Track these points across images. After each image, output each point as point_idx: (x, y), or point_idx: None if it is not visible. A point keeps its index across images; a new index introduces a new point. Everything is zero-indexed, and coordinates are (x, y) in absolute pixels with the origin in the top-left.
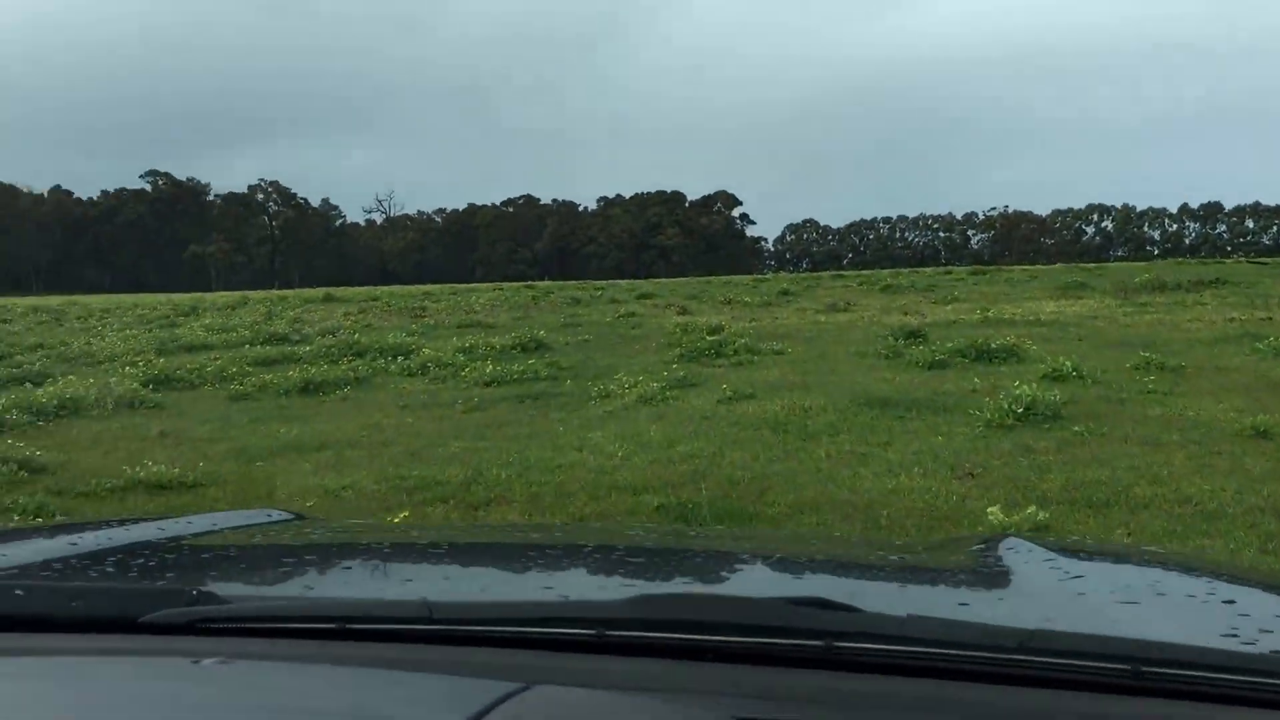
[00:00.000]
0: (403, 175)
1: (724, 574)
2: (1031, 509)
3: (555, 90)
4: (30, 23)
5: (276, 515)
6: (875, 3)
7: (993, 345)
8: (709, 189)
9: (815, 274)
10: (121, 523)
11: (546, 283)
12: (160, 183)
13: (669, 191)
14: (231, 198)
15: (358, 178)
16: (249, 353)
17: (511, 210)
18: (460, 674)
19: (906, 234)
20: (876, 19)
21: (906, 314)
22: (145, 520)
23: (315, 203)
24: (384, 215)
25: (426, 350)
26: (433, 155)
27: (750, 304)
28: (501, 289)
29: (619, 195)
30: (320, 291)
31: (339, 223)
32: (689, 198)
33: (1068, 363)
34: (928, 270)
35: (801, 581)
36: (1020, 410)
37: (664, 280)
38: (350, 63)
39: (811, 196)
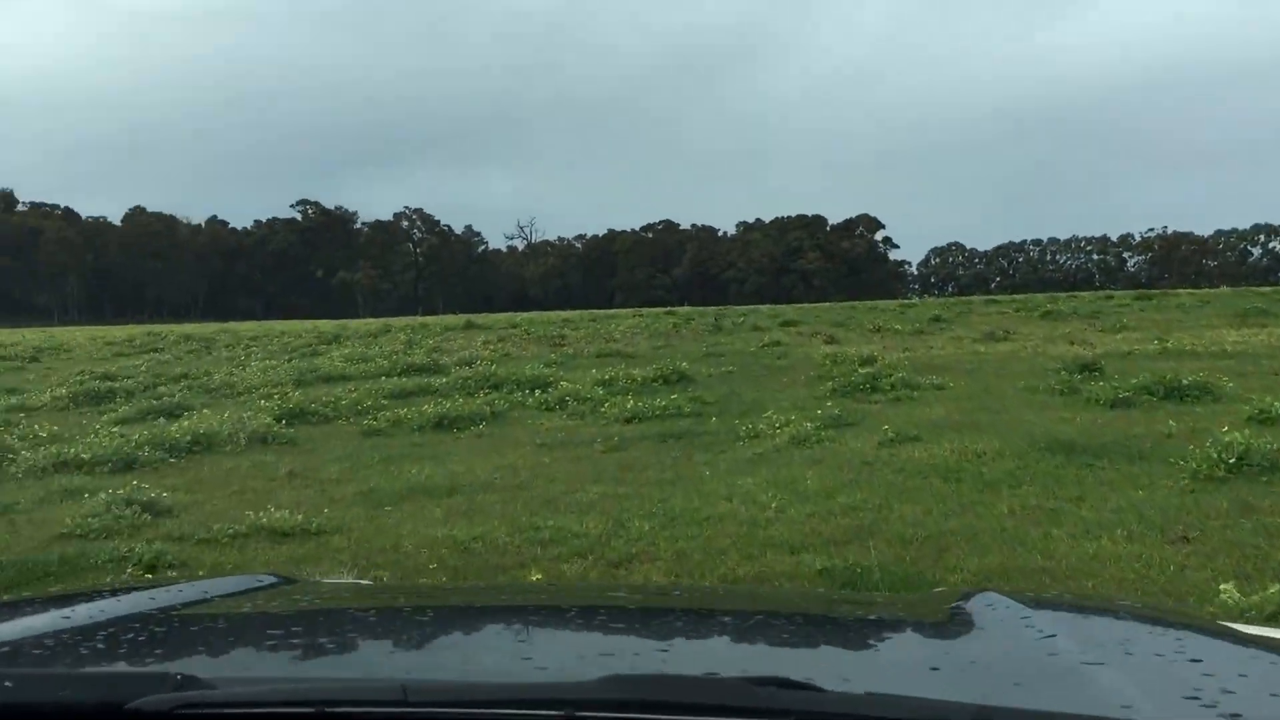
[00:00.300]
0: (544, 201)
1: (697, 645)
2: (1274, 589)
3: (695, 115)
4: (188, 60)
5: (265, 580)
6: (1023, 24)
7: (1183, 381)
8: (850, 212)
9: (966, 298)
10: (114, 592)
11: (686, 308)
12: (309, 211)
13: (810, 215)
14: (378, 225)
15: (500, 204)
16: (385, 384)
17: (651, 235)
18: None
19: (1058, 256)
20: (1024, 40)
21: (1073, 343)
22: (138, 589)
23: (458, 229)
24: (525, 241)
25: (565, 383)
26: (573, 181)
27: (901, 332)
28: (641, 315)
29: (758, 219)
30: (461, 319)
31: (481, 249)
32: (830, 221)
33: (1276, 402)
34: (1086, 295)
35: (772, 653)
36: (1232, 460)
37: (806, 305)
38: (492, 91)
39: (956, 219)
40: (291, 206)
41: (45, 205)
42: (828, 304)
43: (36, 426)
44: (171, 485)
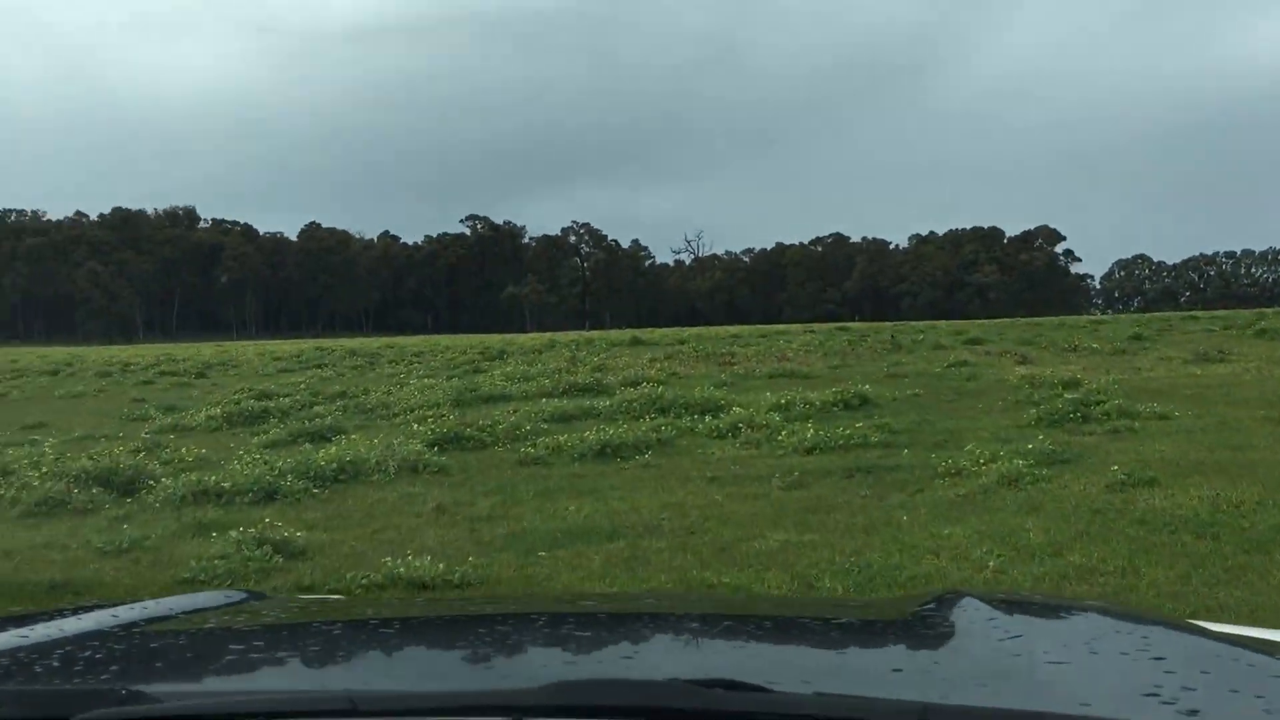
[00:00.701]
0: (711, 215)
1: (659, 651)
2: None
3: (866, 125)
4: (360, 79)
5: (235, 596)
6: (1214, 23)
7: None
8: (1028, 223)
9: (1162, 315)
10: (75, 611)
11: (860, 324)
12: (478, 227)
13: (986, 227)
14: (545, 240)
15: (667, 218)
16: (546, 406)
17: (820, 249)
18: None
19: (1253, 269)
20: (1213, 40)
21: None
22: (102, 607)
23: (625, 244)
24: (692, 255)
25: (738, 408)
26: (741, 194)
27: (1099, 351)
28: (813, 331)
29: (932, 231)
30: (627, 334)
31: (648, 263)
32: (1008, 233)
33: None
34: None
35: (731, 657)
36: None
37: (988, 321)
38: (659, 105)
39: (1140, 229)
40: (461, 222)
41: (226, 222)
42: (1009, 320)
43: (184, 450)
44: (310, 521)
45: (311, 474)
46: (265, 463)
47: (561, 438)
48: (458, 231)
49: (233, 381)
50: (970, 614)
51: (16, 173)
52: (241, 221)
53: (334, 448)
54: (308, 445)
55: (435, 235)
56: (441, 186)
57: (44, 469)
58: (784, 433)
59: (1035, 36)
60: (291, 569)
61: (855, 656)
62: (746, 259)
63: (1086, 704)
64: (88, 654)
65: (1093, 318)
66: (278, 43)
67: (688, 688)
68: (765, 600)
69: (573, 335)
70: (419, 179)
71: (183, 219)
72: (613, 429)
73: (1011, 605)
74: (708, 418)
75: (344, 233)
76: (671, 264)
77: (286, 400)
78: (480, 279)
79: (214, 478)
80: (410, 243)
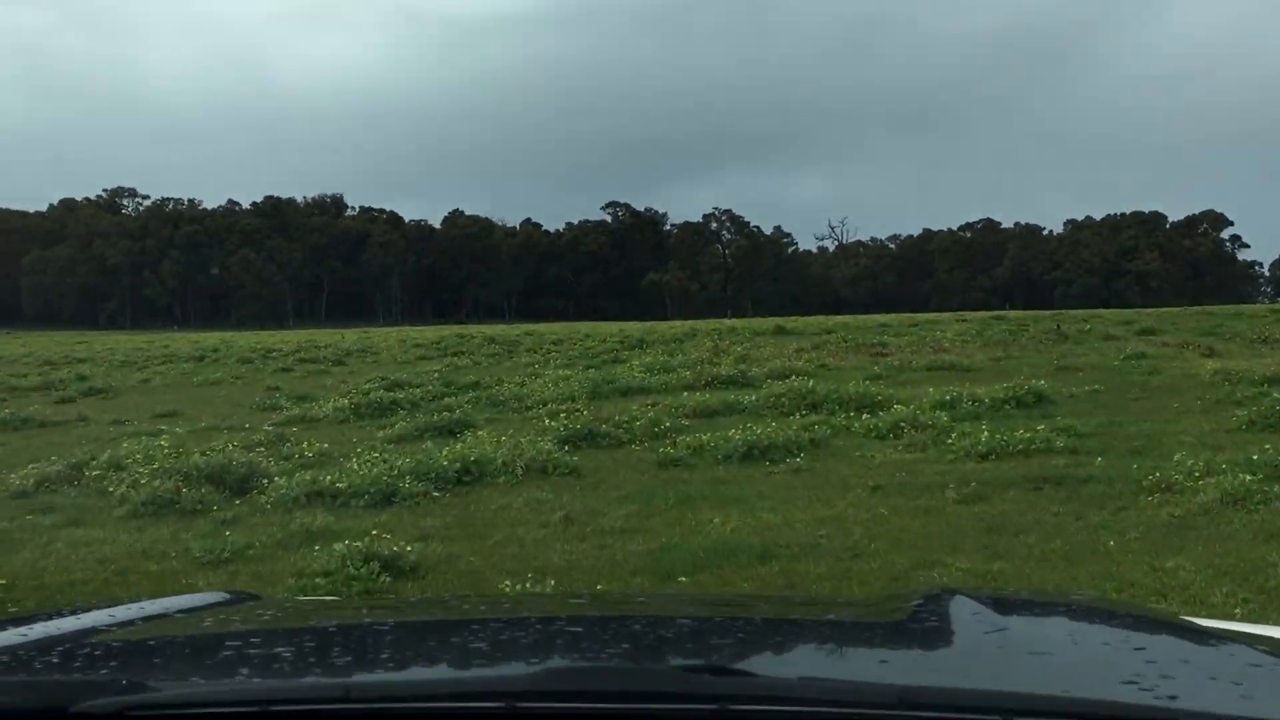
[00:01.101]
0: (855, 201)
1: (648, 645)
2: None
3: (1016, 108)
4: (501, 68)
5: (228, 597)
6: None
7: None
8: (1192, 208)
9: None
10: (74, 611)
11: (1017, 312)
12: (620, 213)
13: (1146, 212)
14: (687, 227)
15: (810, 204)
16: (687, 400)
17: (969, 235)
18: None
19: None
20: None
21: None
22: (99, 607)
23: (767, 230)
24: (836, 242)
25: (898, 405)
26: (885, 179)
27: None
28: (966, 320)
29: (1088, 217)
30: (770, 322)
31: (790, 250)
32: (1169, 218)
33: None
34: None
35: (721, 650)
36: None
37: (1158, 310)
38: (801, 90)
39: None
40: (602, 209)
41: (372, 209)
42: (1178, 309)
43: (306, 444)
44: (426, 530)
45: (433, 475)
46: (385, 461)
47: (704, 436)
48: (599, 219)
49: (369, 369)
50: (958, 610)
51: (174, 162)
52: (387, 209)
53: (460, 445)
54: (430, 443)
55: (576, 222)
56: (583, 174)
57: (156, 464)
58: (954, 434)
59: (1201, 15)
60: (399, 590)
61: (842, 648)
62: (892, 246)
63: (1066, 692)
64: (86, 651)
65: (1271, 306)
66: (426, 32)
67: (676, 673)
68: (758, 598)
69: (715, 323)
70: (561, 167)
71: (330, 206)
72: (760, 427)
73: (1000, 602)
74: (864, 415)
75: (487, 220)
76: (815, 250)
77: (418, 391)
78: (621, 266)
79: (330, 477)
80: (552, 230)
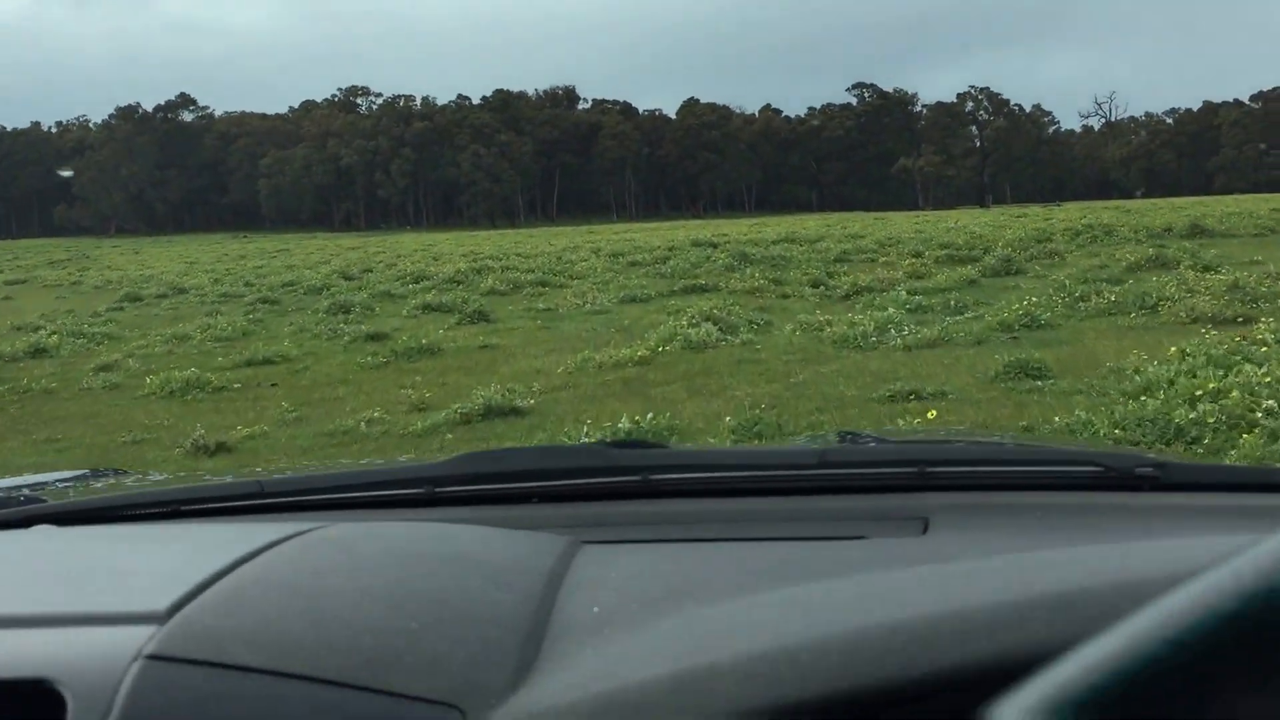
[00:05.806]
0: (1124, 75)
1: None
2: None
3: None
4: None
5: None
6: None
7: None
8: None
9: None
10: None
11: None
12: (866, 95)
13: None
14: (939, 108)
15: (1072, 81)
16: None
17: (1261, 105)
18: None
19: None
20: None
21: None
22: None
23: (1027, 109)
24: (1103, 120)
25: None
26: (1159, 50)
27: None
28: None
29: None
30: (1033, 211)
31: (1052, 130)
32: None
33: None
34: None
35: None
36: None
37: None
38: None
39: None
40: (847, 90)
41: (605, 101)
42: None
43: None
44: None
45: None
46: None
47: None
48: (843, 102)
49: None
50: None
51: (408, 59)
52: (620, 100)
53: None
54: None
55: (819, 107)
56: (824, 56)
57: None
58: None
59: None
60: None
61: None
62: (1170, 121)
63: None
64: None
65: None
66: None
67: (604, 448)
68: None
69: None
70: (800, 50)
71: (562, 99)
72: None
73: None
74: None
75: (724, 108)
76: (1079, 130)
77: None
78: (868, 151)
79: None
80: (792, 116)
